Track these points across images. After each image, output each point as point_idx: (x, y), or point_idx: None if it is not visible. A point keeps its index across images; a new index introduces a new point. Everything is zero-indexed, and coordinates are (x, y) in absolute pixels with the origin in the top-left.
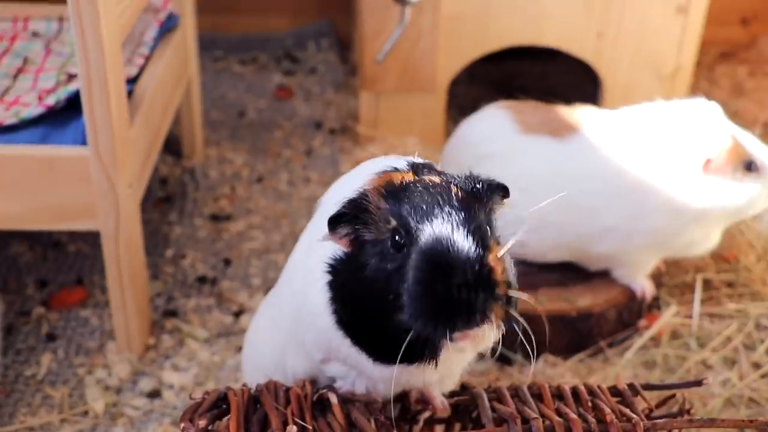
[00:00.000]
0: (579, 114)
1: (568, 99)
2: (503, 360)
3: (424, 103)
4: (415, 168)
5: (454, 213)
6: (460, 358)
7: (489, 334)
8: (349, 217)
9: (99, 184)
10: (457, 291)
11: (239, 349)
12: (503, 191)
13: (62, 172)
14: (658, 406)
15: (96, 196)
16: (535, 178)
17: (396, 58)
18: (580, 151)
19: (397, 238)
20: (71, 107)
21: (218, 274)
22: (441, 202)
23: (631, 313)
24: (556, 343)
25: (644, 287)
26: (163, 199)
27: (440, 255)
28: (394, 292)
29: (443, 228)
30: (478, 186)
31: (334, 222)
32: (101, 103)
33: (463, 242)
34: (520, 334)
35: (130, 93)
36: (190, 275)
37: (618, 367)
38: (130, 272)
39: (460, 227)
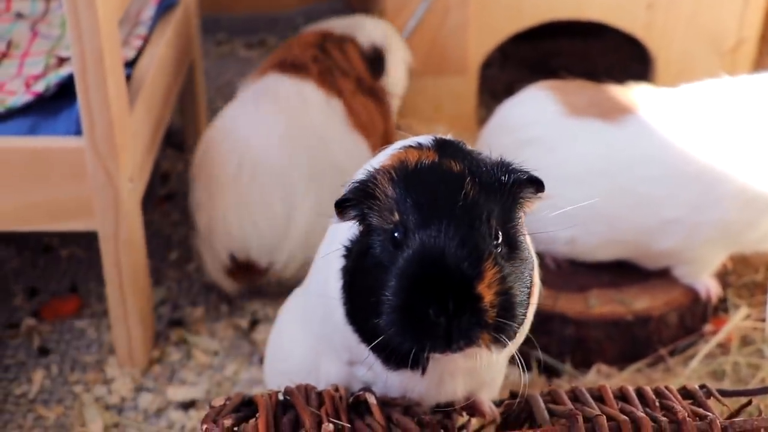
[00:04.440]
0: (633, 93)
1: (615, 80)
2: (549, 371)
3: (454, 87)
4: (439, 146)
5: (458, 217)
6: (491, 363)
7: (481, 353)
8: (355, 202)
9: (96, 179)
10: (435, 315)
11: (254, 361)
12: (536, 185)
13: (54, 166)
14: (732, 416)
15: (92, 191)
16: (584, 165)
17: (422, 36)
18: (636, 133)
19: (396, 235)
20: (62, 94)
21: None
22: (449, 200)
23: (694, 316)
24: (610, 351)
25: (709, 287)
26: (165, 197)
27: (424, 269)
28: (383, 292)
29: (439, 236)
30: (503, 178)
31: (340, 206)
32: (98, 87)
33: (455, 258)
34: (540, 352)
35: (128, 77)
36: (196, 281)
37: (682, 378)
38: (132, 277)
39: (457, 238)
